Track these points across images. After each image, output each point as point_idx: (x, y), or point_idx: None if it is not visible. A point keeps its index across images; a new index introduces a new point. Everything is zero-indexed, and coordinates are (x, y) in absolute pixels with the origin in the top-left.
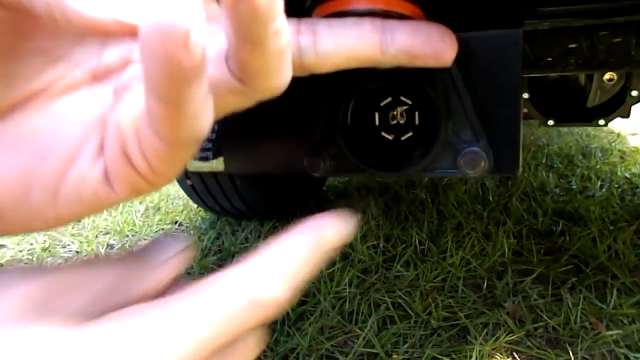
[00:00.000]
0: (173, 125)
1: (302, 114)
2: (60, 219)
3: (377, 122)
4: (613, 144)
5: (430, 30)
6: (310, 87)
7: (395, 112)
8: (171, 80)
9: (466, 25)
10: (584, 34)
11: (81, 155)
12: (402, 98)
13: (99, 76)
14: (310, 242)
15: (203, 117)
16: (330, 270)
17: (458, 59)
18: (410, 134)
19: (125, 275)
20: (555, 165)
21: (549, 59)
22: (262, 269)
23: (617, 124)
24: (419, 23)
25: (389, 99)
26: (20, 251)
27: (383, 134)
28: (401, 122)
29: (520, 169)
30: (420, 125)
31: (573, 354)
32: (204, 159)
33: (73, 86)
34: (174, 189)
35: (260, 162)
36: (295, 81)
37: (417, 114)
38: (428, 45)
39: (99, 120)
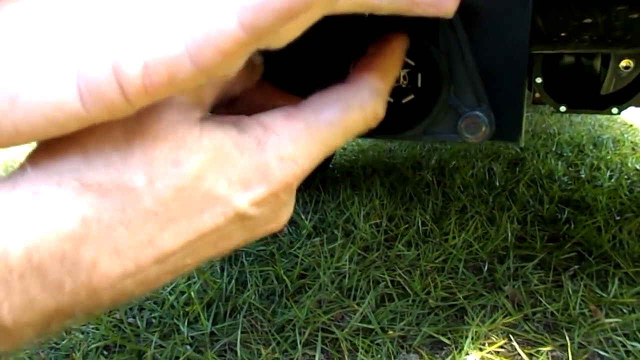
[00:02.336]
0: None
1: (300, 76)
2: (20, 133)
3: None
4: (625, 135)
5: None
6: (308, 46)
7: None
8: None
9: None
10: (600, 9)
11: (49, 59)
12: (406, 59)
13: None
14: None
15: None
16: (332, 246)
17: (463, 18)
18: (411, 96)
19: None
20: (565, 154)
21: (563, 34)
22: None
23: (630, 115)
24: None
25: None
26: None
27: None
28: (403, 84)
29: (523, 138)
30: (422, 87)
31: (570, 339)
32: None
33: None
34: None
35: None
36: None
37: (419, 75)
38: None
39: (71, 21)
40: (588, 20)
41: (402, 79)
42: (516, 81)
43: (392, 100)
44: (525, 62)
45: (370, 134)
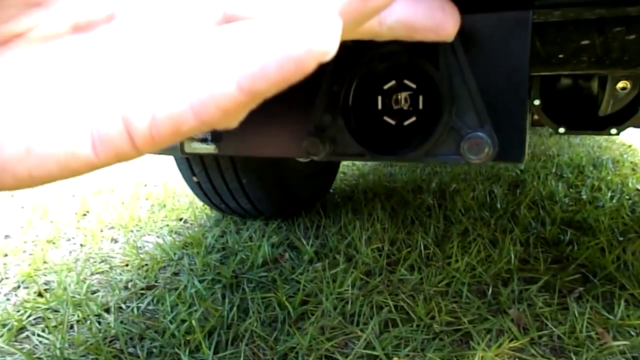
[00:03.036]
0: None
1: (302, 96)
2: (33, 178)
3: (379, 106)
4: (625, 156)
5: (430, 0)
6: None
7: (398, 97)
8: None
9: (473, 6)
10: (597, 30)
11: (63, 112)
12: (406, 82)
13: (80, 28)
14: None
15: None
16: (334, 272)
17: (464, 41)
18: (413, 119)
19: None
20: (565, 175)
21: (561, 56)
22: None
23: (628, 136)
24: None
25: (393, 83)
26: (25, 242)
27: (386, 118)
28: (404, 107)
29: (526, 158)
30: (423, 110)
31: None
32: (204, 140)
33: (52, 35)
34: (180, 187)
35: (257, 144)
36: None
37: (421, 98)
38: (427, 16)
39: (84, 76)
40: (586, 42)
41: (403, 102)
42: (518, 102)
43: (393, 122)
44: (526, 83)
45: (373, 155)
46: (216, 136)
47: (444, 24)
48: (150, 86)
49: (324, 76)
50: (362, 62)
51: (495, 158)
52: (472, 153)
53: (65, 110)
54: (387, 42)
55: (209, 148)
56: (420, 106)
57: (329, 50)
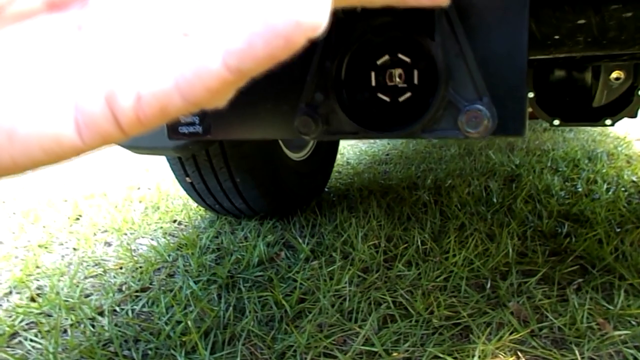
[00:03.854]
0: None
1: (293, 73)
2: (18, 165)
3: (373, 83)
4: (619, 149)
5: None
6: None
7: (393, 73)
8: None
9: None
10: (594, 9)
11: (44, 95)
12: (401, 55)
13: (56, 5)
14: None
15: None
16: (330, 269)
17: (460, 10)
18: (408, 94)
19: None
20: (560, 169)
21: (557, 37)
22: None
23: (622, 129)
24: None
25: (386, 57)
26: (17, 247)
27: (380, 95)
28: (399, 84)
29: (527, 131)
30: (419, 84)
31: (580, 354)
32: (191, 124)
33: (27, 13)
34: (174, 189)
35: (247, 126)
36: None
37: (416, 72)
38: None
39: (62, 56)
40: (582, 21)
41: (397, 78)
42: (517, 72)
43: (388, 99)
44: (525, 53)
45: (367, 133)
46: (204, 120)
47: None
48: (133, 64)
49: (315, 52)
50: (354, 35)
51: (495, 131)
52: (471, 126)
53: (46, 94)
54: (380, 14)
55: (197, 132)
56: (416, 81)
57: (319, 24)
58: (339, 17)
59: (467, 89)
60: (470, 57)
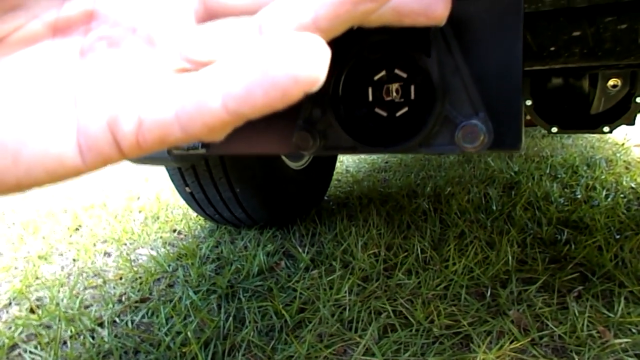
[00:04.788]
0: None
1: None
2: (21, 185)
3: (370, 98)
4: (617, 155)
5: None
6: None
7: (390, 87)
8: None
9: None
10: (588, 21)
11: (47, 119)
12: (397, 71)
13: (60, 30)
14: None
15: None
16: (330, 278)
17: (455, 26)
18: (405, 109)
19: None
20: (559, 176)
21: (552, 48)
22: None
23: (621, 135)
24: None
25: (383, 73)
26: (16, 259)
27: (377, 110)
28: (396, 98)
29: (523, 145)
30: (416, 100)
31: None
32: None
33: (32, 38)
34: (174, 199)
35: (245, 142)
36: None
37: (412, 88)
38: None
39: (66, 81)
40: (577, 33)
41: (394, 93)
42: (513, 87)
43: (385, 114)
44: (520, 68)
45: (365, 148)
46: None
47: (434, 6)
48: (136, 91)
49: None
50: (351, 52)
51: (491, 146)
52: (467, 141)
53: (50, 118)
54: (377, 31)
55: (195, 147)
56: (412, 96)
57: (316, 80)
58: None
59: (463, 105)
60: (466, 73)
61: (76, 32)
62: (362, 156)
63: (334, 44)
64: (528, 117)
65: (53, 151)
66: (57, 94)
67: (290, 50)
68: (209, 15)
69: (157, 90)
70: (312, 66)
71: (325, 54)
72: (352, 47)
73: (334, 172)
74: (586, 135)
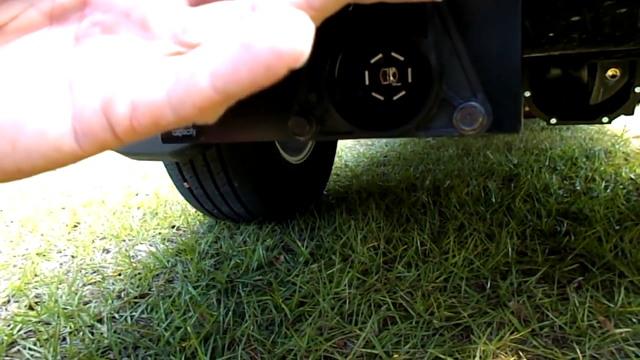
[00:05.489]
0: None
1: (285, 74)
2: (21, 171)
3: (367, 82)
4: (616, 146)
5: None
6: None
7: (387, 71)
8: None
9: None
10: (588, 6)
11: (44, 105)
12: (394, 54)
13: (56, 17)
14: None
15: None
16: (330, 272)
17: (452, 6)
18: (402, 93)
19: None
20: (558, 168)
21: (551, 34)
22: None
23: (620, 126)
24: None
25: (380, 56)
26: (15, 256)
27: (374, 94)
28: (393, 82)
29: (522, 127)
30: (413, 83)
31: (581, 352)
32: (186, 128)
33: (29, 27)
34: (172, 195)
35: (240, 129)
36: None
37: (410, 70)
38: None
39: (61, 67)
40: (576, 18)
41: (391, 77)
42: (511, 69)
43: (382, 98)
44: (519, 49)
45: (362, 133)
46: (198, 125)
47: None
48: (129, 75)
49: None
50: (346, 34)
51: (490, 128)
52: (466, 124)
53: (46, 104)
54: (372, 12)
55: (190, 135)
56: (410, 79)
57: (300, 55)
58: (331, 16)
59: (461, 86)
60: (464, 55)
61: (72, 19)
62: (361, 150)
63: (328, 26)
64: (527, 109)
65: (50, 137)
66: (52, 80)
67: (272, 25)
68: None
69: (149, 73)
70: (295, 40)
71: (309, 29)
72: (348, 29)
73: (333, 167)
74: (585, 127)
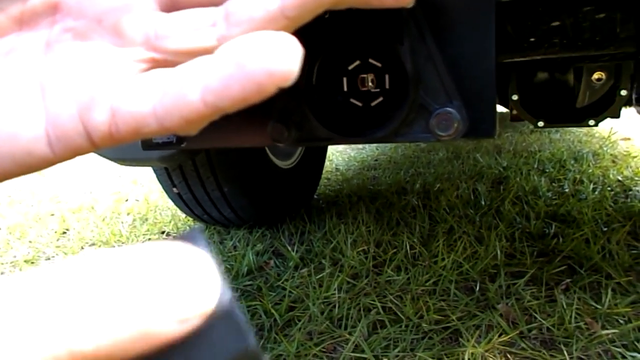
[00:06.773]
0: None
1: None
2: None
3: (345, 88)
4: (604, 149)
5: None
6: None
7: (365, 77)
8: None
9: None
10: (567, 11)
11: (15, 109)
12: (371, 60)
13: (26, 22)
14: None
15: None
16: (320, 276)
17: (427, 13)
18: (380, 99)
19: None
20: (547, 170)
21: (532, 39)
22: None
23: (607, 129)
24: None
25: (357, 62)
26: (2, 264)
27: (352, 100)
28: (371, 88)
29: (497, 132)
30: (390, 89)
31: (568, 354)
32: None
33: None
34: (162, 200)
35: (221, 135)
36: None
37: (387, 77)
38: None
39: (32, 73)
40: (556, 23)
41: (369, 83)
42: (486, 74)
43: (360, 104)
44: (493, 55)
45: (340, 139)
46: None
47: None
48: (109, 83)
49: None
50: (323, 41)
51: (466, 133)
52: (441, 129)
53: (18, 108)
54: (349, 18)
55: (170, 142)
56: (387, 85)
57: (290, 75)
58: (308, 24)
59: (437, 92)
60: (439, 61)
61: (43, 24)
62: (352, 154)
63: (306, 33)
64: (515, 112)
65: (21, 141)
66: (23, 85)
67: (265, 47)
68: (174, 6)
69: (132, 82)
70: (286, 62)
71: (298, 51)
72: (325, 36)
73: (324, 171)
74: (573, 129)
